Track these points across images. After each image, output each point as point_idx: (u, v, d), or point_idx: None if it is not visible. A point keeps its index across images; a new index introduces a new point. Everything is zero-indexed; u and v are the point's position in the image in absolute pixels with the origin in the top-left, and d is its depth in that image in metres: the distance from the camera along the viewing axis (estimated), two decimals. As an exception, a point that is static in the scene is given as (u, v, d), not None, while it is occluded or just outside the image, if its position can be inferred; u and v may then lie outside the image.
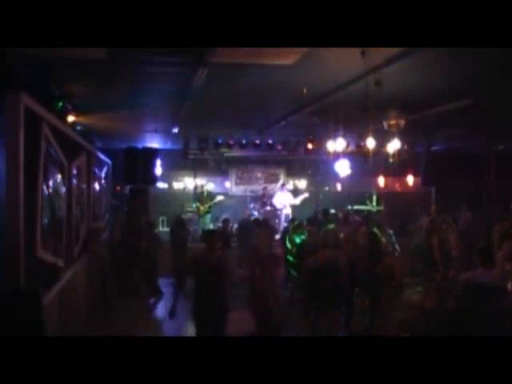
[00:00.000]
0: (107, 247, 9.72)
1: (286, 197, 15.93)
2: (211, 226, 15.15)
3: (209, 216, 15.36)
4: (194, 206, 15.51)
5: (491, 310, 4.93)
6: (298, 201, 15.98)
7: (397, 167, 12.12)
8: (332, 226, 9.61)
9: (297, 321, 7.91)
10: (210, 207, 15.25)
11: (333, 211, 13.52)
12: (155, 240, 10.94)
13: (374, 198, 16.13)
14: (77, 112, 8.69)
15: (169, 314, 5.55)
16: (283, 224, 15.29)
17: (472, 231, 10.03)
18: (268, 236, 10.04)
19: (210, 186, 16.62)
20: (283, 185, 16.78)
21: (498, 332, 4.83)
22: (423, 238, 9.66)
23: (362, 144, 10.62)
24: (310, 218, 10.93)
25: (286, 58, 5.81)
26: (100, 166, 10.73)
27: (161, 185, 15.35)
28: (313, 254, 6.88)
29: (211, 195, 15.50)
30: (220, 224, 13.58)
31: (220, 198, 15.67)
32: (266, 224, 10.47)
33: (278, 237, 13.24)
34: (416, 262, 9.89)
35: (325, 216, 11.55)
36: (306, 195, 16.04)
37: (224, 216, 13.98)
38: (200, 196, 15.46)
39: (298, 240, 9.10)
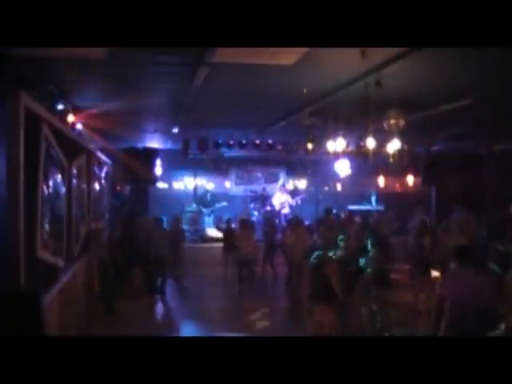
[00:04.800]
0: (107, 247, 9.72)
1: (284, 197, 16.00)
2: (212, 227, 15.21)
3: (211, 217, 15.43)
4: (195, 206, 15.55)
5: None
6: (294, 201, 16.11)
7: (397, 167, 12.12)
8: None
9: (297, 321, 7.96)
10: (212, 211, 15.31)
11: (334, 211, 13.57)
12: (163, 237, 10.99)
13: (374, 198, 16.18)
14: (77, 112, 8.70)
15: None
16: (283, 224, 15.35)
17: (468, 232, 9.98)
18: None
19: (209, 185, 16.65)
20: (283, 185, 16.84)
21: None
22: (415, 239, 9.69)
23: (362, 144, 10.62)
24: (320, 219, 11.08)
25: (286, 58, 5.81)
26: (100, 165, 10.72)
27: (161, 185, 15.36)
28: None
29: (215, 199, 15.55)
30: (223, 224, 13.62)
31: (224, 203, 15.76)
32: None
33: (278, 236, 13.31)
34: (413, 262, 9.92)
35: (327, 216, 11.60)
36: (301, 196, 16.25)
37: (227, 216, 14.02)
38: (203, 199, 15.49)
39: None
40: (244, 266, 10.98)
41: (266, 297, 10.83)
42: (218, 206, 15.55)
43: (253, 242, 11.18)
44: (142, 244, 10.67)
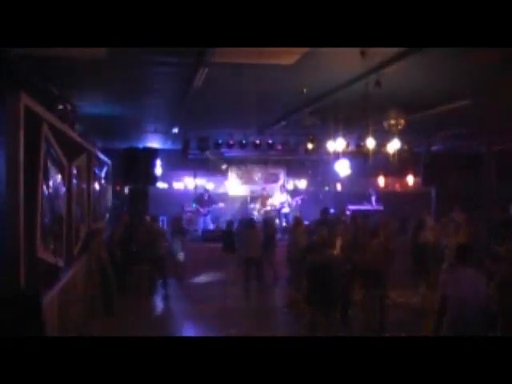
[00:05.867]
0: (108, 247, 9.74)
1: (284, 196, 16.02)
2: (211, 227, 15.21)
3: (209, 216, 15.42)
4: (194, 206, 15.56)
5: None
6: (294, 201, 16.14)
7: (397, 167, 12.12)
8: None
9: (297, 321, 7.97)
10: (209, 211, 15.31)
11: (332, 211, 13.55)
12: (161, 237, 11.01)
13: (374, 198, 16.19)
14: (77, 112, 8.70)
15: None
16: (283, 223, 15.36)
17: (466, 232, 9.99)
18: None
19: (209, 185, 16.65)
20: (283, 185, 16.87)
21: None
22: (410, 238, 9.72)
23: (362, 144, 10.62)
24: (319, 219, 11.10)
25: (286, 58, 5.81)
26: (100, 165, 10.72)
27: (161, 185, 15.35)
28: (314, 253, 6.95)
29: (212, 199, 15.54)
30: (223, 225, 13.62)
31: (221, 204, 15.75)
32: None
33: (278, 236, 13.33)
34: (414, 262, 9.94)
35: (324, 215, 11.59)
36: (301, 196, 16.34)
37: (227, 217, 14.02)
38: (201, 198, 15.49)
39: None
40: (250, 265, 11.03)
41: (269, 296, 10.86)
42: (214, 206, 15.55)
43: (259, 242, 11.23)
44: (142, 244, 10.68)
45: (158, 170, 13.31)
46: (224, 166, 16.63)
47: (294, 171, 17.80)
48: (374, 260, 7.55)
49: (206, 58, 5.65)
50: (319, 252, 6.89)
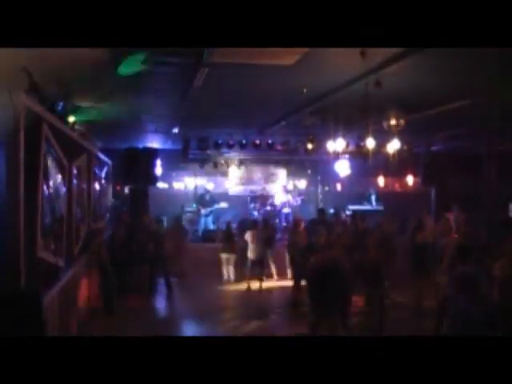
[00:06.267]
0: (109, 247, 9.74)
1: (285, 196, 16.04)
2: (212, 227, 15.22)
3: (210, 217, 15.43)
4: (195, 206, 15.56)
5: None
6: (295, 201, 16.14)
7: (397, 167, 12.12)
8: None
9: (297, 321, 7.97)
10: (211, 212, 15.31)
11: (332, 211, 13.56)
12: (162, 237, 11.03)
13: (374, 197, 16.20)
14: (77, 112, 8.70)
15: None
16: (283, 223, 15.37)
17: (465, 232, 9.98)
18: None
19: (209, 185, 16.65)
20: (283, 185, 16.89)
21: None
22: (409, 238, 9.72)
23: (362, 144, 10.62)
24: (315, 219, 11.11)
25: (286, 58, 5.81)
26: (100, 165, 10.73)
27: (161, 185, 15.36)
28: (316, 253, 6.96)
29: (214, 199, 15.55)
30: (223, 226, 13.63)
31: (223, 204, 15.75)
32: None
33: (278, 236, 13.34)
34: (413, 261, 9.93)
35: (320, 215, 11.61)
36: (302, 197, 16.37)
37: (227, 218, 14.02)
38: (202, 199, 15.49)
39: None
40: (252, 265, 11.08)
41: (270, 296, 10.87)
42: (216, 206, 15.56)
43: (261, 242, 11.29)
44: (142, 244, 10.69)
45: (158, 169, 13.32)
46: (224, 166, 16.64)
47: (294, 171, 17.81)
48: (372, 257, 7.55)
49: (205, 58, 5.65)
50: (319, 253, 6.89)
